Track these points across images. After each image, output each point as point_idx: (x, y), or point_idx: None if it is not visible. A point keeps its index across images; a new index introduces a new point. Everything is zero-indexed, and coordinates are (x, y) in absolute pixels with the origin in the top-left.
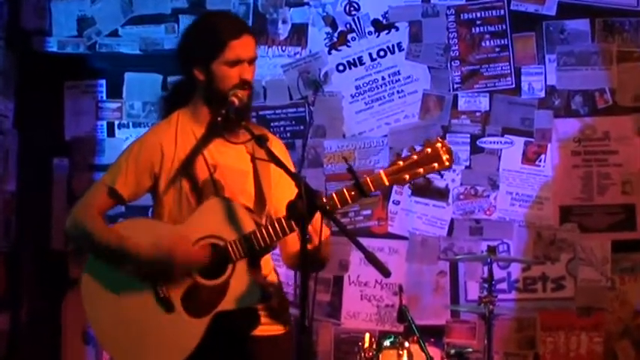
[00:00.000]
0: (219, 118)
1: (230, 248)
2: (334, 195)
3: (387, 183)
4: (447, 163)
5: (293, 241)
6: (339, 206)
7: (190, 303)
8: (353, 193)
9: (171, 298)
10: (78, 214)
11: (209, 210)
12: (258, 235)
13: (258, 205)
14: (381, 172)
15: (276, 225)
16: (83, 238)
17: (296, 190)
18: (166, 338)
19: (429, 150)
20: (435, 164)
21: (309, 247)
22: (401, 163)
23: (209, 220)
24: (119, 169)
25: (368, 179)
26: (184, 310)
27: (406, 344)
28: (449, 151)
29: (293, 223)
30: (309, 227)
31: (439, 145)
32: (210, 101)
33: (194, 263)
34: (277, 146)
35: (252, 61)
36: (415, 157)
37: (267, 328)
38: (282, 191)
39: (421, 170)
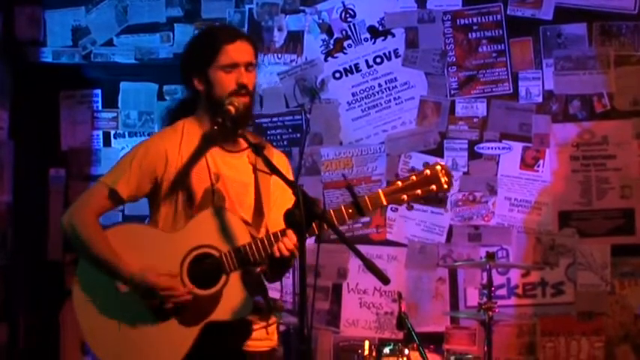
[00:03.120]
0: (215, 127)
1: (224, 259)
2: (332, 212)
3: (385, 203)
4: (446, 186)
5: None
6: (338, 226)
7: (182, 311)
8: (350, 210)
9: (163, 306)
10: (74, 214)
11: (206, 220)
12: (253, 247)
13: (256, 217)
14: (380, 191)
15: (272, 239)
16: (77, 241)
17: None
18: (156, 346)
19: (428, 172)
20: (434, 186)
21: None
22: (400, 183)
23: (205, 229)
24: (122, 171)
25: (366, 198)
26: (176, 319)
27: (406, 351)
28: (448, 174)
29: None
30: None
31: (439, 167)
32: (211, 110)
33: (176, 301)
34: (278, 158)
35: (249, 67)
36: (414, 177)
37: (258, 343)
38: (282, 204)
39: (419, 191)
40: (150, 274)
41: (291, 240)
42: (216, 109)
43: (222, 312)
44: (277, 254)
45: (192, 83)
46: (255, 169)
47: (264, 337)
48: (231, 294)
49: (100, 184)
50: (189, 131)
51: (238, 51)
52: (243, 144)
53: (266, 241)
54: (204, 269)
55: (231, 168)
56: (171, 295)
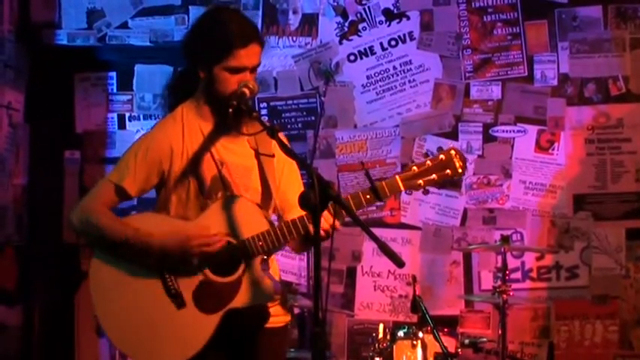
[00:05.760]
0: (230, 110)
1: (249, 245)
2: (350, 198)
3: (402, 188)
4: (460, 170)
5: None
6: (353, 209)
7: (201, 299)
8: (369, 196)
9: (182, 293)
10: (86, 208)
11: (222, 208)
12: (272, 234)
13: (264, 200)
14: (397, 177)
15: (291, 226)
16: (93, 231)
17: (301, 183)
18: (177, 334)
19: (442, 157)
20: (448, 171)
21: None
22: (415, 168)
23: (222, 218)
24: (127, 167)
25: (384, 184)
26: (195, 306)
27: (420, 334)
28: (462, 159)
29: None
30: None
31: (453, 152)
32: (209, 101)
33: (211, 249)
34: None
35: (254, 69)
36: (429, 163)
37: (274, 319)
38: (288, 185)
39: (435, 176)
40: (179, 233)
41: (327, 220)
42: (214, 102)
43: (244, 299)
44: (323, 234)
45: (195, 67)
46: (257, 154)
47: (279, 313)
48: (253, 281)
49: (106, 181)
50: (190, 119)
51: (249, 56)
52: (243, 129)
53: (285, 228)
54: (222, 257)
55: (233, 153)
56: (206, 244)
